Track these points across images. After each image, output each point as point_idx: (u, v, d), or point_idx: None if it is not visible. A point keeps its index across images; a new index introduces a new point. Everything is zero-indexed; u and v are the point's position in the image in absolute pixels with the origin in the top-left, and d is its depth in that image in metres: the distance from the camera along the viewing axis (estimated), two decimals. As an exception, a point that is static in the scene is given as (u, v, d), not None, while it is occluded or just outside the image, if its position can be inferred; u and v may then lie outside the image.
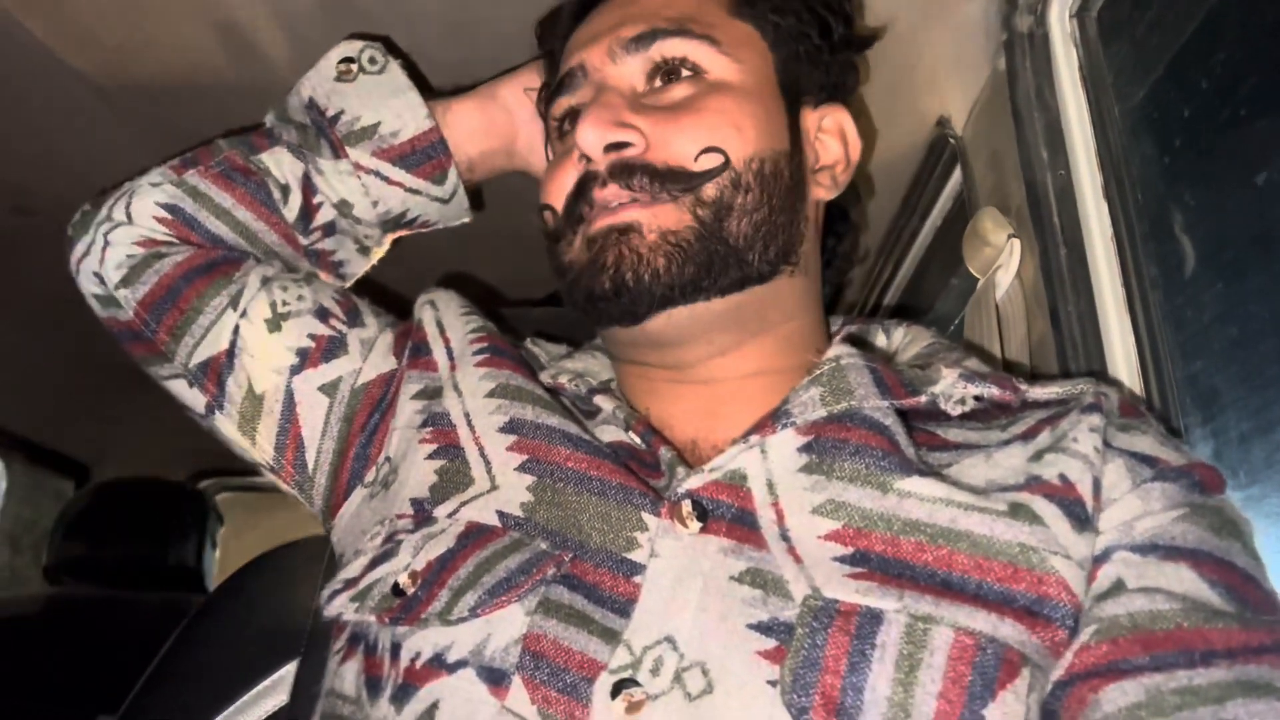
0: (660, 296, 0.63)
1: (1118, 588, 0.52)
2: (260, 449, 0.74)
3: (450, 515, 0.62)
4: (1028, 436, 0.59)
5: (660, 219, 0.63)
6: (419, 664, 0.55)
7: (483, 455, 0.64)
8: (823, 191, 0.74)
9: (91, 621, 1.52)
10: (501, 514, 0.60)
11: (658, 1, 0.71)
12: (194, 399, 0.76)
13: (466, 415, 0.67)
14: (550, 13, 0.83)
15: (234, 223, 0.79)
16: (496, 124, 0.85)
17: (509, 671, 0.52)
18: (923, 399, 0.59)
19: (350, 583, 0.62)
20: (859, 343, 0.72)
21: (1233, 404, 0.71)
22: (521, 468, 0.62)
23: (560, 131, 0.75)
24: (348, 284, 0.87)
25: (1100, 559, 0.53)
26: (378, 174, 0.80)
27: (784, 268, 0.68)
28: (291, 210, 0.80)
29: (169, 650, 0.98)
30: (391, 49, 0.84)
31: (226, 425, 0.75)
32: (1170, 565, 0.52)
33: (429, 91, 0.83)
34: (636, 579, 0.55)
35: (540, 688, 0.51)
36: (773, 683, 0.50)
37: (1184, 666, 0.48)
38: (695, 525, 0.56)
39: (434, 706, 0.53)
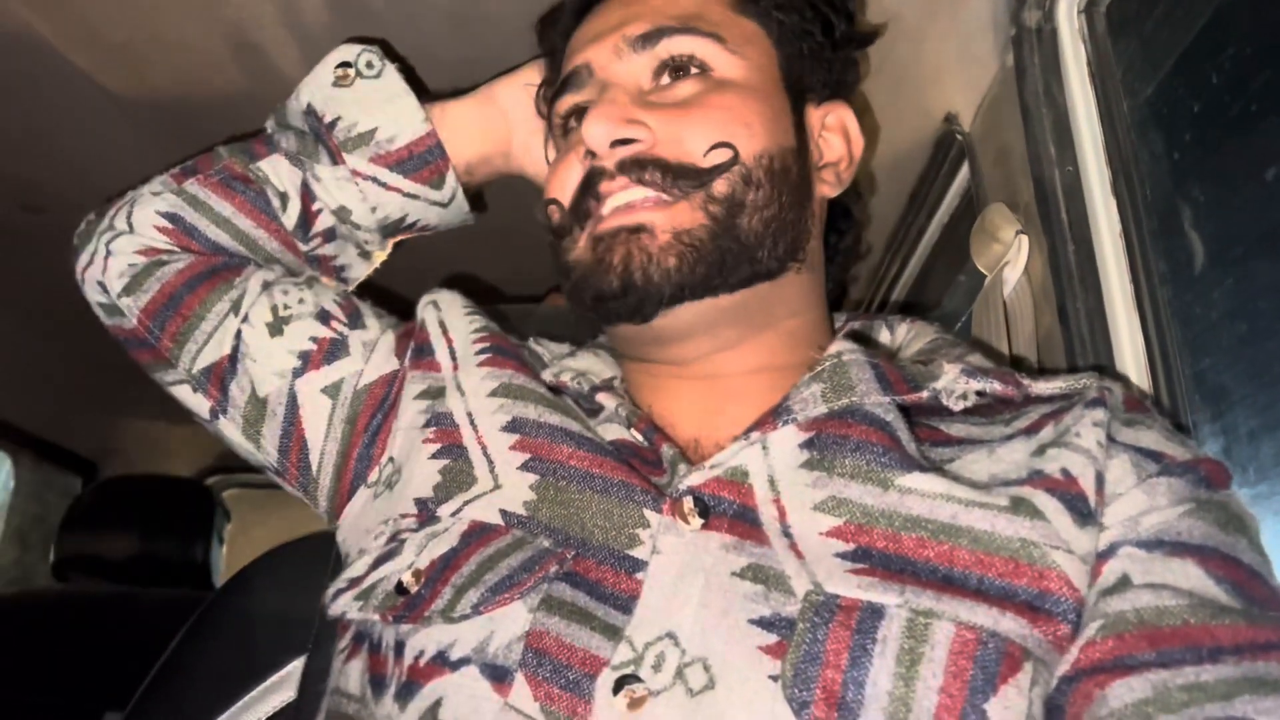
0: (669, 295, 0.63)
1: (1124, 583, 0.52)
2: (264, 452, 0.75)
3: (454, 514, 0.62)
4: (1031, 431, 0.59)
5: (674, 219, 0.63)
6: (422, 662, 0.55)
7: (486, 454, 0.64)
8: (827, 189, 0.74)
9: (99, 617, 1.52)
10: (504, 512, 0.61)
11: None
12: (198, 404, 0.77)
13: (469, 415, 0.67)
14: (551, 10, 0.83)
15: (234, 231, 0.80)
16: (494, 127, 0.85)
17: (512, 669, 0.52)
18: (924, 394, 0.59)
19: (354, 581, 0.62)
20: (862, 339, 0.72)
21: (1241, 401, 0.71)
22: (524, 466, 0.62)
23: (564, 129, 0.74)
24: (350, 288, 0.87)
25: (1105, 554, 0.53)
26: (375, 180, 0.80)
27: (791, 264, 0.68)
28: (290, 218, 0.81)
29: (176, 646, 0.98)
30: (389, 52, 0.84)
31: (230, 429, 0.76)
32: (1177, 561, 0.52)
33: (426, 94, 0.83)
34: (638, 575, 0.55)
35: (543, 684, 0.52)
36: (774, 678, 0.50)
37: (1191, 663, 0.48)
38: (697, 522, 0.56)
39: (437, 704, 0.53)
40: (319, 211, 0.81)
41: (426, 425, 0.68)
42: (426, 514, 0.63)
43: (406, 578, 0.59)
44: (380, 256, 0.88)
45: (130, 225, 0.78)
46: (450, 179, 0.82)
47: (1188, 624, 0.49)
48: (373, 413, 0.73)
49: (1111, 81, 0.82)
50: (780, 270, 0.67)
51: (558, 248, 0.69)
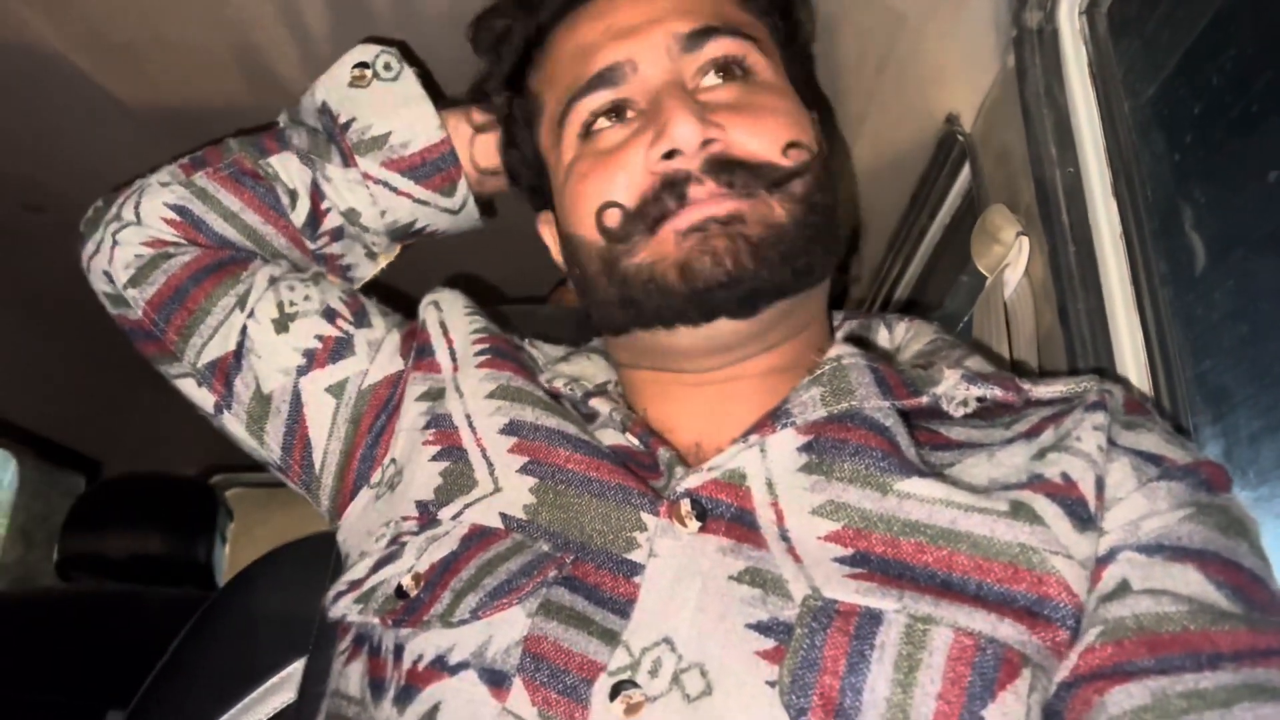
0: (775, 287, 0.61)
1: (1123, 589, 0.51)
2: (268, 449, 0.75)
3: (454, 517, 0.62)
4: (1031, 435, 0.59)
5: (761, 211, 0.62)
6: (421, 666, 0.55)
7: (485, 457, 0.64)
8: None
9: (102, 616, 1.53)
10: (504, 516, 0.61)
11: None
12: (203, 398, 0.77)
13: (468, 417, 0.67)
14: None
15: (242, 226, 0.80)
16: None
17: (510, 673, 0.52)
18: (924, 400, 0.59)
19: (355, 584, 0.62)
20: (860, 341, 0.72)
21: (1243, 403, 0.71)
22: (523, 469, 0.62)
23: (588, 128, 0.68)
24: (356, 286, 0.87)
25: (1105, 559, 0.53)
26: (386, 184, 0.80)
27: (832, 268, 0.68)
28: (299, 216, 0.80)
29: (179, 646, 0.98)
30: (408, 55, 0.83)
31: (234, 425, 0.76)
32: (1177, 566, 0.51)
33: (443, 100, 0.82)
34: (636, 579, 0.55)
35: (541, 689, 0.52)
36: (772, 683, 0.50)
37: (1190, 670, 0.47)
38: (694, 525, 0.56)
39: (436, 708, 0.53)
40: (328, 211, 0.81)
41: (427, 427, 0.68)
42: (427, 517, 0.63)
43: (406, 581, 0.59)
44: (388, 258, 0.88)
45: (138, 216, 0.78)
46: (462, 187, 0.82)
47: (1187, 630, 0.49)
48: (377, 413, 0.73)
49: (1113, 82, 0.82)
50: (827, 274, 0.67)
51: (612, 252, 0.64)
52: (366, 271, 0.88)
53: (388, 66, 0.81)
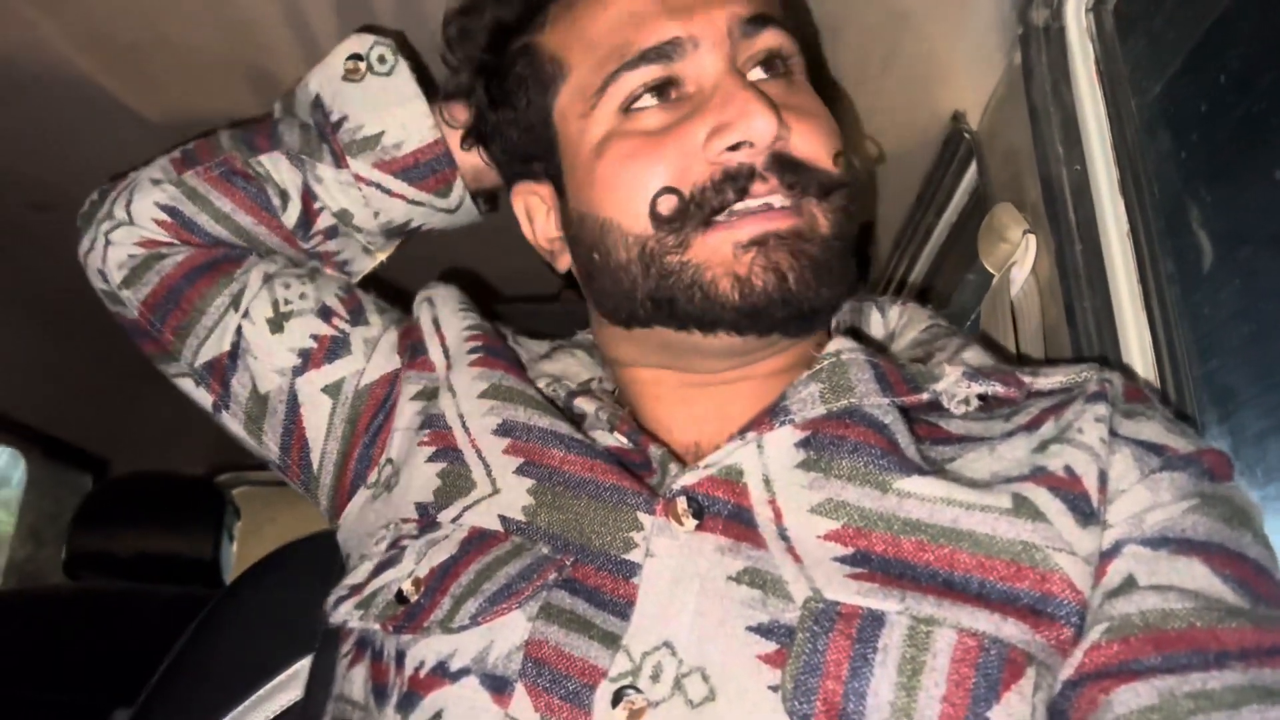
0: (827, 303, 0.60)
1: (1129, 585, 0.51)
2: (266, 448, 0.75)
3: (454, 520, 0.61)
4: (1032, 427, 0.58)
5: (815, 224, 0.60)
6: (423, 673, 0.55)
7: (481, 458, 0.64)
8: None
9: (109, 614, 1.53)
10: (504, 518, 0.60)
11: None
12: (201, 397, 0.77)
13: (461, 417, 0.66)
14: None
15: (234, 226, 0.78)
16: None
17: (511, 679, 0.52)
18: (924, 396, 0.58)
19: (355, 589, 0.62)
20: (855, 331, 0.71)
21: (1249, 401, 0.71)
22: (520, 470, 0.62)
23: (628, 105, 0.63)
24: (354, 280, 0.85)
25: (1110, 553, 0.52)
26: (379, 186, 0.77)
27: None
28: (291, 216, 0.79)
29: (185, 644, 0.98)
30: (404, 46, 0.81)
31: (233, 424, 0.76)
32: (1182, 560, 0.51)
33: (439, 93, 0.80)
34: (635, 580, 0.55)
35: (543, 695, 0.51)
36: (774, 688, 0.49)
37: (1198, 669, 0.47)
38: (691, 523, 0.55)
39: (438, 716, 0.53)
40: (320, 210, 0.79)
41: (422, 427, 0.68)
42: (427, 519, 0.63)
43: (407, 586, 0.58)
44: (385, 253, 0.86)
45: (129, 215, 0.77)
46: (458, 186, 0.79)
47: (1194, 628, 0.48)
48: (374, 413, 0.72)
49: (1119, 80, 0.82)
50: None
51: (659, 244, 0.60)
52: (364, 266, 0.86)
53: (382, 59, 0.78)
